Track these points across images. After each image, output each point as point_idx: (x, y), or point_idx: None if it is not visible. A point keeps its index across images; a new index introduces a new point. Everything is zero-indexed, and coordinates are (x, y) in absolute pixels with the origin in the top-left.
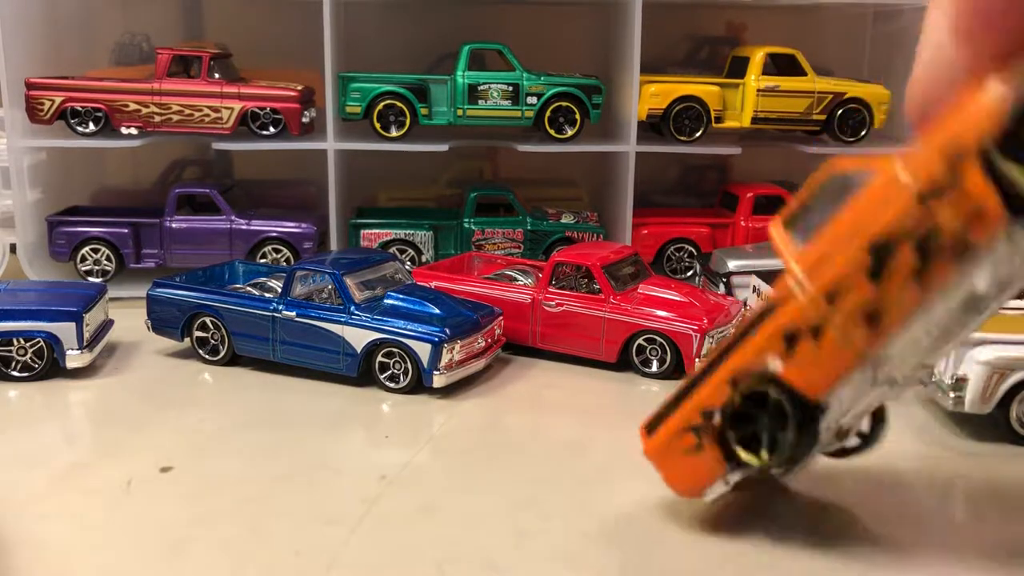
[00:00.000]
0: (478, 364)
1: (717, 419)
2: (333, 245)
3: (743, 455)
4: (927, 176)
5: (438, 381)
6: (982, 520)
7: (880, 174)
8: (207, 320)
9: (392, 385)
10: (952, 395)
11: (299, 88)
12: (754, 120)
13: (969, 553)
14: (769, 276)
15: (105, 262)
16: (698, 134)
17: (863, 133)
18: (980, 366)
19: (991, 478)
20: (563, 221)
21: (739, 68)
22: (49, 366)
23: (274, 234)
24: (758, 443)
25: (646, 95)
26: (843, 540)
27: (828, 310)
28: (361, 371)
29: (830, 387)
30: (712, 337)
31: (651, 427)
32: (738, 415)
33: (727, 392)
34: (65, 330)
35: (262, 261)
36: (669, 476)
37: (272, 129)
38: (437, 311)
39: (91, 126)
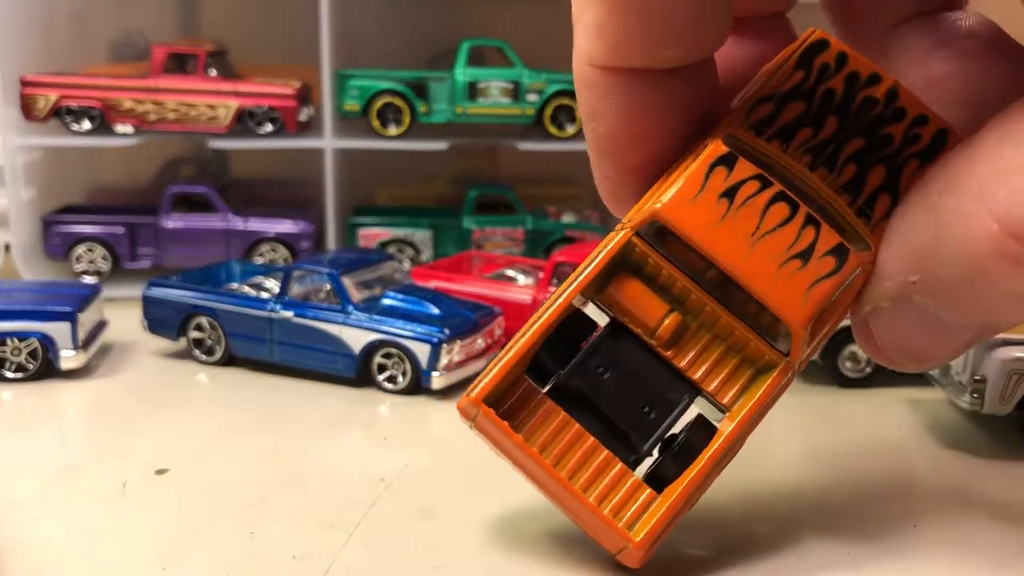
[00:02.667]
0: (478, 365)
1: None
2: (331, 244)
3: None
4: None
5: (437, 382)
6: (993, 523)
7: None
8: (203, 320)
9: (390, 386)
10: (970, 396)
11: (296, 85)
12: None
13: (977, 558)
14: None
15: (100, 261)
16: None
17: None
18: (999, 367)
19: (1007, 483)
20: (564, 220)
21: None
22: (43, 367)
23: (271, 233)
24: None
25: None
26: (849, 539)
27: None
28: (359, 372)
29: None
30: None
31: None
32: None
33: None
34: (59, 330)
35: (259, 260)
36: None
37: (269, 127)
38: (436, 311)
39: (86, 124)
